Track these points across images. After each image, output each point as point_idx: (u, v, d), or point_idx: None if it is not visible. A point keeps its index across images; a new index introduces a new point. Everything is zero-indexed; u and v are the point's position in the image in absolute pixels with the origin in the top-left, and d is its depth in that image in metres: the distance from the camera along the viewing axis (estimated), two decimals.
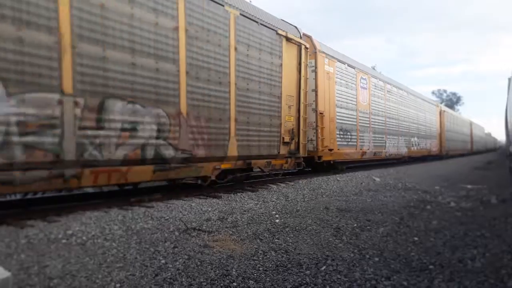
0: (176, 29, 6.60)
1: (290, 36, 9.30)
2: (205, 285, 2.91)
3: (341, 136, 12.47)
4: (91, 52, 5.35)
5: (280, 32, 8.99)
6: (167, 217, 5.19)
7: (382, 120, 15.87)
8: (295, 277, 3.10)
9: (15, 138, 4.54)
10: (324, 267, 3.34)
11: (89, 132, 5.31)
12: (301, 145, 9.84)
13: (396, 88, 18.09)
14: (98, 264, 3.31)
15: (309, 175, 11.24)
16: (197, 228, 4.67)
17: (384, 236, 4.43)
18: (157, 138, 6.25)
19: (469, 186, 9.35)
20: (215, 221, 5.09)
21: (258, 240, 4.20)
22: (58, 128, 4.95)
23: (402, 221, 5.25)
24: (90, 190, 7.58)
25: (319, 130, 11.08)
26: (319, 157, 11.21)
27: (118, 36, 5.69)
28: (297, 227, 4.80)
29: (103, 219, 4.93)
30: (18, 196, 6.93)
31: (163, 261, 3.42)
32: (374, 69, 16.84)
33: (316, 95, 10.99)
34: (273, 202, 6.75)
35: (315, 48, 10.95)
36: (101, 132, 5.46)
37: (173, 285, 2.90)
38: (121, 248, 3.79)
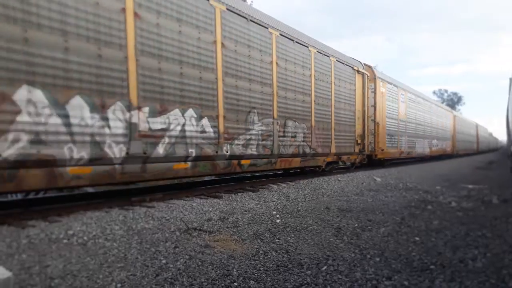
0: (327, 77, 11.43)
1: (360, 70, 13.39)
2: (206, 285, 2.91)
3: (388, 139, 16.21)
4: (288, 97, 9.60)
5: (354, 68, 13.00)
6: (168, 217, 5.20)
7: (413, 127, 19.86)
8: (296, 277, 3.10)
9: (259, 142, 8.56)
10: (325, 267, 3.34)
11: (280, 138, 9.25)
12: (366, 146, 13.77)
13: (422, 99, 22.23)
14: (99, 264, 3.31)
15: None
16: (198, 228, 4.67)
17: (385, 236, 4.43)
18: (303, 141, 10.16)
19: (470, 186, 9.34)
20: (216, 221, 5.10)
21: (259, 240, 4.20)
22: (271, 136, 8.95)
23: (403, 221, 5.25)
24: (90, 190, 7.59)
25: (376, 135, 14.83)
26: (375, 155, 15.05)
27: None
28: (298, 227, 4.80)
29: (104, 219, 4.94)
30: (20, 196, 6.95)
31: (164, 261, 3.43)
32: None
33: (375, 109, 14.77)
34: (274, 202, 6.75)
35: (374, 75, 14.83)
36: (284, 139, 9.42)
37: (174, 285, 2.90)
38: (122, 248, 3.79)
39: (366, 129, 13.74)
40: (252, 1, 22.34)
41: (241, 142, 7.96)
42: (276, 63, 9.02)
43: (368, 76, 13.87)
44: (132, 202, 6.15)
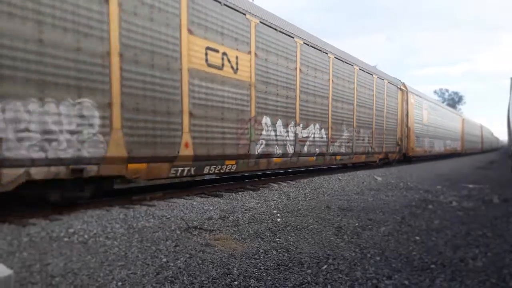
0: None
1: (401, 87, 17.48)
2: (206, 284, 2.91)
3: (416, 141, 19.92)
4: (361, 111, 13.53)
5: (398, 86, 17.13)
6: (169, 216, 5.20)
7: (432, 130, 23.63)
8: (296, 276, 3.10)
9: (346, 144, 12.38)
10: (325, 266, 3.34)
11: (356, 141, 12.99)
12: (403, 146, 17.81)
13: (439, 106, 27.21)
14: (100, 263, 3.32)
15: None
16: (198, 226, 4.68)
17: (386, 235, 4.43)
18: (367, 143, 13.99)
19: (471, 186, 9.34)
20: (217, 220, 5.10)
21: (259, 239, 4.21)
22: (352, 140, 12.72)
23: (404, 220, 5.25)
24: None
25: (408, 138, 18.50)
26: (408, 153, 18.74)
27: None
28: (298, 226, 4.80)
29: (105, 217, 4.94)
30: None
31: (164, 260, 3.43)
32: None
33: (407, 117, 18.39)
34: (275, 201, 6.75)
35: (407, 89, 18.26)
36: (358, 141, 13.15)
37: (175, 284, 2.90)
38: (122, 247, 3.79)
39: (403, 133, 18.01)
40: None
41: (337, 144, 11.84)
42: (357, 89, 13.06)
43: (405, 91, 18.00)
44: (133, 200, 6.16)
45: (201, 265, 3.31)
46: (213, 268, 3.26)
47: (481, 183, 10.08)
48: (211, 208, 5.86)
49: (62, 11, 4.88)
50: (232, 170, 7.99)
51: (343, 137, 12.17)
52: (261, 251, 3.76)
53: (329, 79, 11.28)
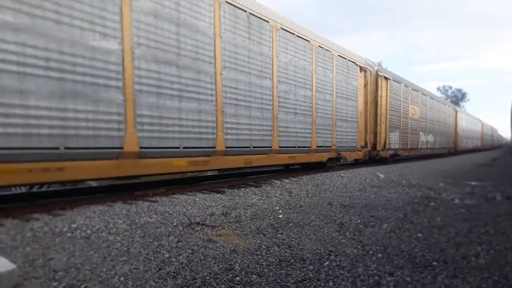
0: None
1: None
2: (208, 279, 2.92)
3: (463, 140, 28.51)
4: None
5: (452, 107, 27.49)
6: (171, 212, 5.21)
7: (467, 133, 34.32)
8: (298, 272, 3.11)
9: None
10: (327, 262, 3.34)
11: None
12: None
13: (470, 117, 38.18)
14: (102, 258, 3.33)
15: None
16: (200, 222, 4.69)
17: (388, 232, 4.43)
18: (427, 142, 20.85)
19: (473, 183, 9.32)
20: (219, 216, 5.11)
21: (261, 235, 4.21)
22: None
23: (406, 217, 5.24)
24: (93, 184, 7.62)
25: (456, 137, 27.01)
26: (457, 148, 27.66)
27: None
28: (300, 223, 4.80)
29: (108, 213, 4.95)
30: (24, 189, 6.99)
31: (167, 255, 3.44)
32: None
33: (456, 128, 27.09)
34: (277, 198, 6.76)
35: (456, 110, 27.07)
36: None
37: (177, 279, 2.91)
38: (125, 242, 3.81)
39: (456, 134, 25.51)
40: None
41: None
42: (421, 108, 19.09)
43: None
44: (135, 196, 6.17)
45: (203, 261, 3.32)
46: (215, 263, 3.26)
47: (484, 180, 10.06)
48: (213, 204, 5.87)
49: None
50: None
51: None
52: (263, 247, 3.76)
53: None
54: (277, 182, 8.84)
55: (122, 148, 5.53)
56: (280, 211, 5.55)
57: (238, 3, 7.66)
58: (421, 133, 19.96)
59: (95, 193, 6.78)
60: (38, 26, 4.60)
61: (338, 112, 11.53)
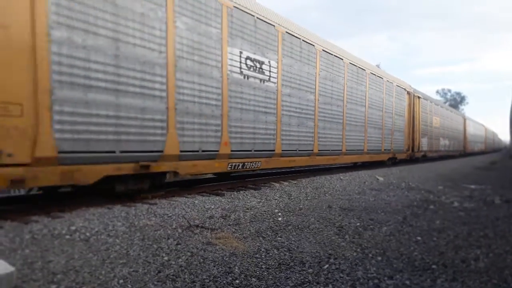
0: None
1: (464, 116, 31.65)
2: (207, 282, 2.91)
3: (471, 144, 31.35)
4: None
5: (460, 116, 33.00)
6: (170, 214, 5.21)
7: (473, 137, 36.96)
8: (297, 275, 3.11)
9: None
10: (326, 265, 3.34)
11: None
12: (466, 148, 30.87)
13: (477, 124, 42.22)
14: (101, 260, 3.33)
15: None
16: (200, 225, 4.68)
17: (387, 235, 4.43)
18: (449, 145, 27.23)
19: (472, 186, 9.32)
20: (218, 219, 5.10)
21: (260, 238, 4.21)
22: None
23: (405, 220, 5.24)
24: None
25: (465, 141, 30.52)
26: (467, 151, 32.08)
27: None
28: (299, 226, 4.80)
29: (107, 215, 4.95)
30: (23, 192, 6.97)
31: (166, 258, 3.44)
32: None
33: (465, 133, 31.79)
34: (276, 200, 6.75)
35: (465, 117, 31.08)
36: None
37: (176, 282, 2.91)
38: (124, 245, 3.80)
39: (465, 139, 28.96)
40: None
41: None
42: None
43: (465, 118, 27.92)
44: (134, 199, 6.17)
45: (202, 264, 3.32)
46: (214, 266, 3.26)
47: (483, 183, 10.06)
48: (212, 207, 5.87)
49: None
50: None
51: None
52: (263, 250, 3.76)
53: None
54: (277, 185, 8.84)
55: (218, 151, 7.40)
56: (279, 214, 5.54)
57: (293, 32, 9.63)
58: (440, 138, 25.05)
59: (94, 196, 6.77)
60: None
61: (396, 125, 16.82)
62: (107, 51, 5.40)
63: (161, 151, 6.24)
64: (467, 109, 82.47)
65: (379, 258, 3.56)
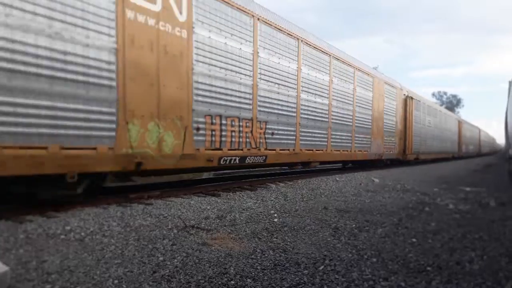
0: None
1: (458, 119, 30.94)
2: (203, 283, 2.91)
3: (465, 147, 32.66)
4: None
5: (456, 119, 31.35)
6: (166, 215, 5.20)
7: (470, 140, 39.51)
8: (293, 276, 3.11)
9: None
10: (322, 266, 3.34)
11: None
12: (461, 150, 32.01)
13: (472, 126, 43.41)
14: (96, 260, 3.31)
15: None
16: (195, 226, 4.68)
17: (382, 237, 4.44)
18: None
19: (468, 189, 9.36)
20: (214, 219, 5.10)
21: (256, 239, 4.21)
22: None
23: (401, 222, 5.26)
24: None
25: (461, 143, 31.58)
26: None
27: None
28: (295, 227, 4.80)
29: (102, 215, 4.93)
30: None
31: (161, 258, 3.43)
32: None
33: (460, 136, 30.58)
34: (272, 201, 6.76)
35: (460, 122, 30.39)
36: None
37: (171, 282, 2.90)
38: (119, 245, 3.79)
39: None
40: None
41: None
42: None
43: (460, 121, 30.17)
44: (130, 199, 6.15)
45: (198, 264, 3.31)
46: (209, 267, 3.26)
47: (478, 186, 10.11)
48: (208, 208, 5.86)
49: None
50: None
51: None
52: (258, 251, 3.76)
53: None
54: (273, 186, 8.84)
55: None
56: (275, 215, 5.54)
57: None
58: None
59: (90, 195, 6.74)
60: None
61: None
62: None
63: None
64: (462, 112, 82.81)
65: (374, 260, 3.57)
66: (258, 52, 8.42)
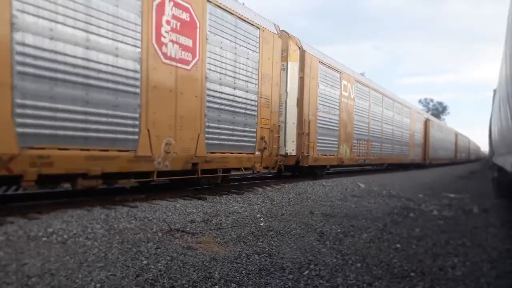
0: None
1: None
2: (187, 287, 2.88)
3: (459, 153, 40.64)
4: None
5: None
6: (151, 218, 5.14)
7: (463, 148, 46.20)
8: (277, 281, 3.10)
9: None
10: (307, 271, 3.34)
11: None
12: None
13: (461, 136, 45.44)
14: (79, 263, 3.26)
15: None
16: (180, 229, 4.64)
17: (367, 242, 4.46)
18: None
19: (452, 195, 9.49)
20: (199, 223, 5.07)
21: (242, 243, 4.19)
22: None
23: (385, 227, 5.30)
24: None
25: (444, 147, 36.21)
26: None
27: None
28: (281, 231, 4.80)
29: (86, 217, 4.86)
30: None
31: (145, 262, 3.39)
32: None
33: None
34: (259, 205, 6.75)
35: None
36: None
37: (155, 286, 2.87)
38: (102, 248, 3.73)
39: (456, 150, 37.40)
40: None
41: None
42: None
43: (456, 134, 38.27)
44: (115, 201, 6.07)
45: (182, 268, 3.28)
46: (194, 271, 3.23)
47: (462, 192, 10.26)
48: (194, 211, 5.82)
49: None
50: None
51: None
52: (243, 255, 3.74)
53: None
54: (260, 189, 8.83)
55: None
56: (261, 219, 5.53)
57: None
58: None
59: (74, 197, 6.64)
60: None
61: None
62: None
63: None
64: (448, 119, 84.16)
65: (359, 265, 3.58)
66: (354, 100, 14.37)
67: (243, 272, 3.28)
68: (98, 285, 2.84)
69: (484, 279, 3.27)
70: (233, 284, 2.99)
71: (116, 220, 4.89)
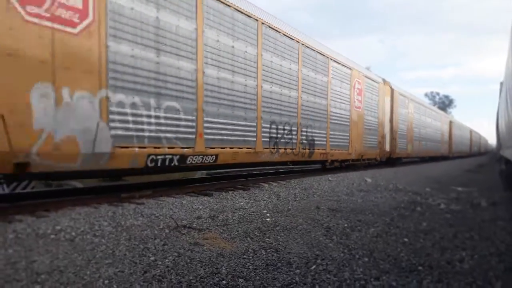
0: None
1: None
2: (194, 283, 2.89)
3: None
4: None
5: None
6: (158, 214, 5.17)
7: (462, 142, 42.80)
8: (284, 276, 3.10)
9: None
10: (314, 266, 3.34)
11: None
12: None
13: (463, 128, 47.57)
14: (87, 260, 3.28)
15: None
16: (187, 225, 4.65)
17: (374, 236, 4.45)
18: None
19: (459, 189, 9.43)
20: (206, 219, 5.08)
21: (248, 239, 4.20)
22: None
23: (392, 222, 5.28)
24: (79, 185, 7.52)
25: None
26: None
27: None
28: (288, 226, 4.80)
29: (93, 215, 4.89)
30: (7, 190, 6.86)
31: (152, 258, 3.40)
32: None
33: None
34: (265, 201, 6.75)
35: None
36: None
37: (162, 283, 2.88)
38: (110, 245, 3.76)
39: (471, 145, 45.90)
40: None
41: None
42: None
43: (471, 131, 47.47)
44: (122, 198, 6.11)
45: (189, 264, 3.30)
46: (201, 267, 3.24)
47: (470, 186, 10.19)
48: (200, 207, 5.84)
49: None
50: None
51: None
52: (250, 250, 3.75)
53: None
54: (266, 185, 8.84)
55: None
56: (267, 214, 5.54)
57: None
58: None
59: (81, 195, 6.69)
60: None
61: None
62: None
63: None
64: (455, 112, 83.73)
65: (366, 259, 3.57)
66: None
67: (250, 267, 3.28)
68: (106, 281, 2.86)
69: (492, 273, 3.25)
70: (240, 280, 3.00)
71: (123, 217, 4.92)
